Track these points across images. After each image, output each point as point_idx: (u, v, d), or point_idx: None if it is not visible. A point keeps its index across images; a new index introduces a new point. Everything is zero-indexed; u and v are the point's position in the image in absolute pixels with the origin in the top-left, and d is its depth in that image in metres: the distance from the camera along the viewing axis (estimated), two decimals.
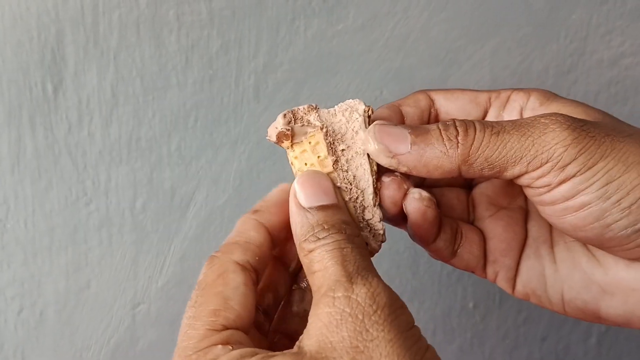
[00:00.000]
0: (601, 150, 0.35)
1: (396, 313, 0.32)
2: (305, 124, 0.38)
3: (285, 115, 0.38)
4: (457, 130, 0.35)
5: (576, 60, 0.59)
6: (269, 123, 0.55)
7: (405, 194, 0.38)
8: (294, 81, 0.55)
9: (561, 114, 0.36)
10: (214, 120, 0.55)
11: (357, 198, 0.38)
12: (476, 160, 0.35)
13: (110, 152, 0.53)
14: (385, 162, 0.36)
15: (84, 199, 0.54)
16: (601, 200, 0.34)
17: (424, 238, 0.39)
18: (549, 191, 0.35)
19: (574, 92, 0.59)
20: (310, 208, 0.35)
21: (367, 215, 0.38)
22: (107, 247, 0.56)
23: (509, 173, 0.35)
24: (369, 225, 0.38)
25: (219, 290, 0.35)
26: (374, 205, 0.38)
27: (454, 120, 0.36)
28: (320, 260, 0.33)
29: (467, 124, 0.36)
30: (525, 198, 0.42)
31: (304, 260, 0.35)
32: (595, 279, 0.39)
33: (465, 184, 0.44)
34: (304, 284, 0.40)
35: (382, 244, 0.38)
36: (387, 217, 0.39)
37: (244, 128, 0.55)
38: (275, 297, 0.40)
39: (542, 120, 0.35)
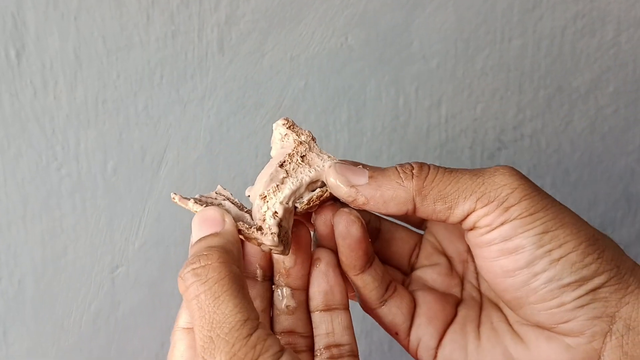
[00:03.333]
0: (543, 202, 0.40)
1: None
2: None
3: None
4: (412, 167, 0.41)
5: None
6: (235, 76, 0.59)
7: (334, 214, 0.43)
8: (257, 32, 0.59)
9: (512, 167, 0.42)
10: (180, 77, 0.58)
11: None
12: (430, 191, 0.41)
13: (78, 116, 0.57)
14: (344, 191, 0.42)
15: (54, 164, 0.58)
16: (535, 247, 0.39)
17: (350, 260, 0.44)
18: (489, 231, 0.40)
19: (540, 28, 0.64)
20: (198, 240, 0.40)
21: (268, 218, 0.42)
22: (81, 212, 0.60)
23: (459, 210, 0.40)
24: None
25: None
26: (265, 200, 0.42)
27: (410, 162, 0.42)
28: (191, 310, 0.38)
29: (422, 164, 0.42)
30: (461, 288, 0.48)
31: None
32: (517, 356, 0.43)
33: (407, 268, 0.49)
34: (276, 277, 0.44)
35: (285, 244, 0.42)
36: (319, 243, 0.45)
37: (210, 82, 0.59)
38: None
39: (493, 167, 0.41)
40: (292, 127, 0.44)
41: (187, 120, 0.60)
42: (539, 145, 0.67)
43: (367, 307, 0.46)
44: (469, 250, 0.47)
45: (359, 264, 0.44)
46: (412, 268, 0.49)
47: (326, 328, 0.44)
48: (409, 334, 0.45)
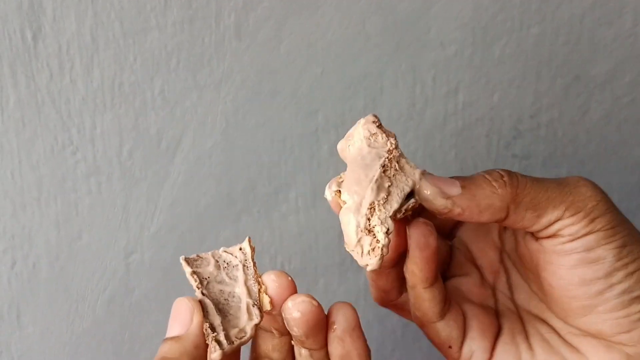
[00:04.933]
0: (620, 217, 0.41)
1: None
2: None
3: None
4: (501, 174, 0.41)
5: None
6: (252, 62, 0.58)
7: (409, 223, 0.42)
8: (275, 18, 0.57)
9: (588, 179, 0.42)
10: (197, 62, 0.57)
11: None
12: (523, 199, 0.40)
13: (94, 99, 0.56)
14: (440, 203, 0.40)
15: (70, 147, 0.57)
16: (615, 259, 0.40)
17: (424, 272, 0.42)
18: (572, 240, 0.40)
19: (559, 16, 0.62)
20: (165, 340, 0.39)
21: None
22: (96, 196, 0.59)
23: (546, 218, 0.40)
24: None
25: None
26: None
27: (494, 169, 0.42)
28: None
29: (509, 171, 0.41)
30: (495, 299, 0.47)
31: None
32: None
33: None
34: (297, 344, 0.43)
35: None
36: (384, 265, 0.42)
37: (227, 68, 0.58)
38: None
39: (573, 178, 0.42)
40: (380, 126, 0.42)
41: (204, 106, 0.59)
42: (555, 135, 0.65)
43: (424, 321, 0.44)
44: (501, 261, 0.47)
45: (431, 277, 0.42)
46: (444, 277, 0.48)
47: None
48: (461, 347, 0.45)
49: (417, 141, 0.63)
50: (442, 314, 0.44)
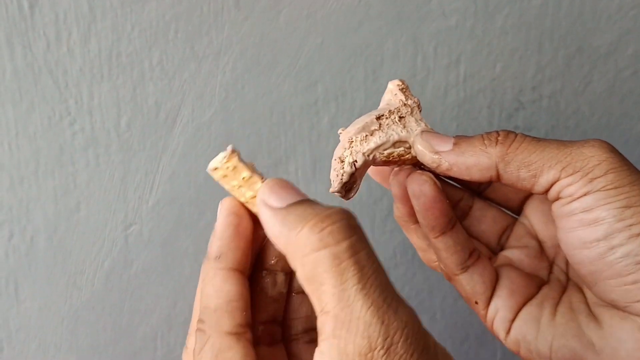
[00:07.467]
0: (631, 177, 0.39)
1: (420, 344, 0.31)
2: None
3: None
4: (498, 134, 0.41)
5: None
6: (251, 32, 0.58)
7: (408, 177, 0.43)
8: None
9: (604, 141, 0.40)
10: (195, 32, 0.57)
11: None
12: (514, 158, 0.40)
13: (91, 69, 0.56)
14: (428, 158, 0.42)
15: (67, 119, 0.57)
16: (615, 220, 0.38)
17: (427, 220, 0.43)
18: (571, 202, 0.39)
19: None
20: (287, 206, 0.35)
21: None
22: (94, 168, 0.59)
23: (544, 178, 0.39)
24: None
25: None
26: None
27: (498, 130, 0.42)
28: (339, 270, 0.32)
29: (509, 131, 0.41)
30: (549, 271, 0.47)
31: (296, 266, 0.33)
32: (589, 334, 0.42)
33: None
34: (272, 261, 0.40)
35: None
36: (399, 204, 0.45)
37: (226, 38, 0.58)
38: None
39: (584, 140, 0.40)
40: (403, 90, 0.45)
41: (202, 77, 0.58)
42: (558, 107, 0.65)
43: (448, 273, 0.45)
44: None
45: (437, 225, 0.43)
46: (502, 248, 0.48)
47: (306, 311, 0.41)
48: (487, 305, 0.45)
49: None
50: (464, 267, 0.44)
